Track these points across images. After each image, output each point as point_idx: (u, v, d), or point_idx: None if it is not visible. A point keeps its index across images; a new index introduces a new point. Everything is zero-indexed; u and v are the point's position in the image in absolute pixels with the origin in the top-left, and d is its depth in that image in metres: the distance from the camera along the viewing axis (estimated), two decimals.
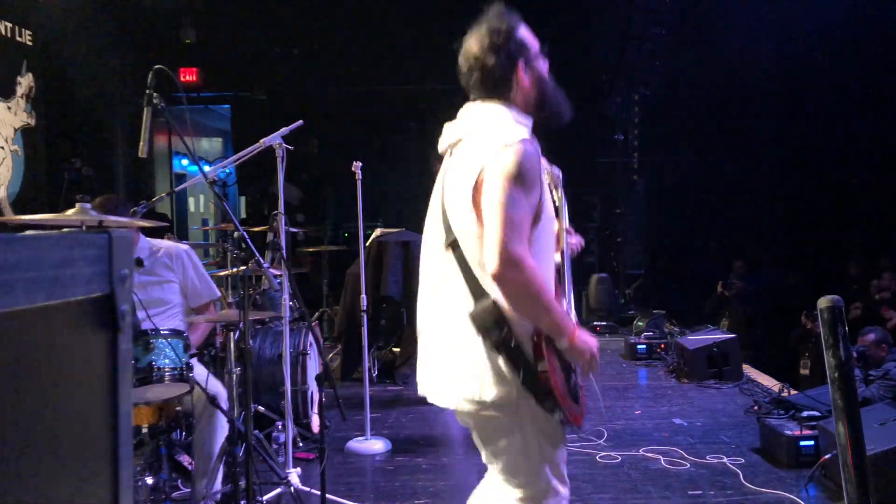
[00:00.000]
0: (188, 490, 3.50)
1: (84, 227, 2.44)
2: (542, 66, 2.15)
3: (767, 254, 10.10)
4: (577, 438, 4.40)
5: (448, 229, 2.07)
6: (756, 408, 5.00)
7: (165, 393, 2.95)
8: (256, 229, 4.81)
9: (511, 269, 1.87)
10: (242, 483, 2.92)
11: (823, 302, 1.77)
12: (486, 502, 2.20)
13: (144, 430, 2.97)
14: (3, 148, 6.69)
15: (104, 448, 0.76)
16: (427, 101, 10.13)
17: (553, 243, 2.13)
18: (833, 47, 9.06)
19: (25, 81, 7.01)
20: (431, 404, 2.14)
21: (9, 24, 6.73)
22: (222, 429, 3.28)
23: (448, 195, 2.09)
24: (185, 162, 11.17)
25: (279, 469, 3.48)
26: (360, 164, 4.22)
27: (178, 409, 3.12)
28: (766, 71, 9.73)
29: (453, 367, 2.04)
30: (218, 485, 3.29)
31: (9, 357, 0.62)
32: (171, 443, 3.16)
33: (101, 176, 8.02)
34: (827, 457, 3.64)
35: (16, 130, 6.89)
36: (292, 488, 3.38)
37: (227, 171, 3.94)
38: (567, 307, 2.20)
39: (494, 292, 1.94)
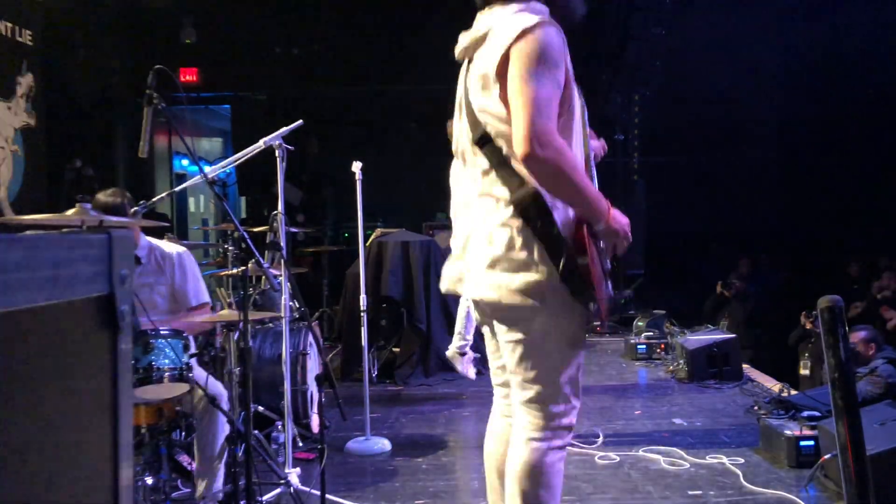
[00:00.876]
0: (188, 490, 3.50)
1: (84, 227, 2.44)
2: None
3: (767, 254, 10.10)
4: (576, 440, 4.39)
5: (475, 125, 2.03)
6: (756, 408, 5.00)
7: (165, 393, 2.95)
8: (256, 229, 4.81)
9: (541, 148, 1.82)
10: (242, 483, 2.92)
11: (823, 302, 1.77)
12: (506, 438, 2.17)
13: (144, 430, 2.97)
14: (3, 148, 6.69)
15: (104, 448, 0.76)
16: (427, 101, 10.13)
17: (581, 132, 2.08)
18: (834, 45, 9.05)
19: (25, 81, 7.01)
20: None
21: (9, 24, 6.73)
22: (223, 428, 3.27)
23: (472, 92, 2.06)
24: (185, 162, 11.17)
25: (279, 469, 3.48)
26: (360, 164, 4.22)
27: (178, 409, 3.12)
28: (766, 70, 9.73)
29: (485, 255, 2.01)
30: (219, 484, 3.29)
31: (9, 357, 0.62)
32: (171, 443, 3.15)
33: (102, 176, 8.02)
34: (827, 457, 3.64)
35: (16, 130, 6.89)
36: (292, 488, 3.38)
37: (227, 171, 3.93)
38: None
39: (531, 181, 1.90)
